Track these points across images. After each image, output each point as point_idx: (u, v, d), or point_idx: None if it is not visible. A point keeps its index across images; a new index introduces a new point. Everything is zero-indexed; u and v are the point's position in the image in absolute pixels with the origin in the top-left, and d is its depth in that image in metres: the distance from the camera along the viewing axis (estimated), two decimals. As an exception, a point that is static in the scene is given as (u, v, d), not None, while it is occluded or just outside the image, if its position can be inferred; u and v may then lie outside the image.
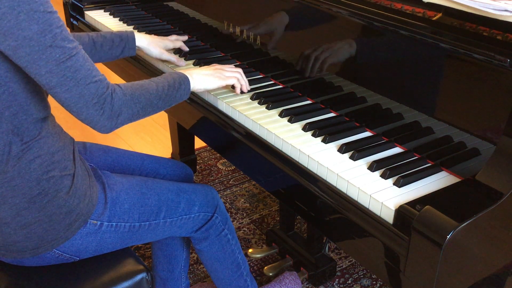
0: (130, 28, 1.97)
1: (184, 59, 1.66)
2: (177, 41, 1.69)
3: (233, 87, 1.45)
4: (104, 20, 2.05)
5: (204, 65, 1.59)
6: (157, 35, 1.84)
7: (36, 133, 1.13)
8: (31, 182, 1.13)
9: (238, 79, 1.42)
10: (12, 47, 0.99)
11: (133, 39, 1.55)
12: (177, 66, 1.63)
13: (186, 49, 1.70)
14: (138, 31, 1.92)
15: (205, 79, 1.36)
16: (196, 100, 1.50)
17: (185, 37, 1.74)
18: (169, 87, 1.25)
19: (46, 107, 1.16)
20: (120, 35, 1.54)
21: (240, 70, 1.45)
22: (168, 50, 1.67)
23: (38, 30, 0.99)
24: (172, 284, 1.63)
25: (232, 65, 1.48)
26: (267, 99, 1.41)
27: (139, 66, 1.74)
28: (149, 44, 1.59)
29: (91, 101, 1.08)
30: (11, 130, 1.09)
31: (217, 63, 1.59)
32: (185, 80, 1.30)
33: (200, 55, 1.70)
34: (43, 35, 0.99)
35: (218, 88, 1.45)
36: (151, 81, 1.24)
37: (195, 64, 1.64)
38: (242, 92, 1.45)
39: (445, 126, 1.14)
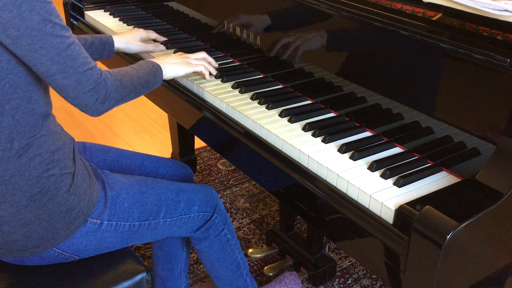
0: (130, 28, 1.97)
1: (166, 48, 1.75)
2: (151, 32, 1.74)
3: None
4: (104, 20, 2.05)
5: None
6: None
7: (37, 130, 1.13)
8: (31, 180, 1.13)
9: (204, 66, 1.50)
10: (13, 37, 1.01)
11: (112, 42, 1.59)
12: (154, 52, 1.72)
13: (163, 38, 1.77)
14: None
15: (174, 67, 1.44)
16: (196, 100, 1.50)
17: (162, 39, 1.78)
18: (148, 74, 1.33)
19: (48, 103, 1.16)
20: (100, 38, 1.57)
21: (204, 54, 1.54)
22: (146, 41, 1.73)
23: (40, 20, 1.01)
24: (172, 284, 1.63)
25: (198, 53, 1.54)
26: (267, 99, 1.41)
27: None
28: (127, 43, 1.64)
29: (88, 87, 1.13)
30: (12, 125, 1.09)
31: (217, 62, 1.59)
32: (158, 69, 1.38)
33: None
34: (44, 24, 1.02)
35: (216, 86, 1.45)
36: (132, 68, 1.32)
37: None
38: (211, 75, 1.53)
39: (445, 126, 1.14)
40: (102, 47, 1.56)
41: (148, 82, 1.33)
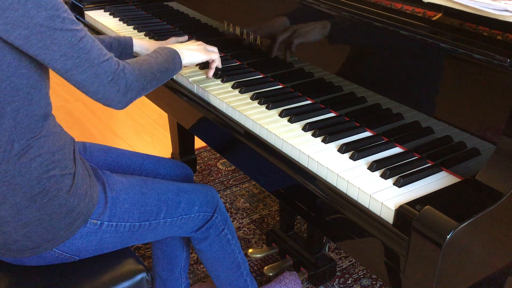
0: (130, 28, 1.97)
1: None
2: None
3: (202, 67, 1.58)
4: (104, 20, 2.05)
5: (204, 67, 1.61)
6: (157, 35, 1.84)
7: (37, 131, 1.13)
8: (31, 181, 1.13)
9: (218, 56, 1.52)
10: (23, 35, 1.01)
11: (131, 45, 1.57)
12: None
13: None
14: (138, 31, 1.92)
15: (192, 54, 1.44)
16: (196, 100, 1.50)
17: (185, 37, 1.74)
18: (166, 61, 1.32)
19: (48, 104, 1.16)
20: (119, 40, 1.55)
21: (217, 49, 1.55)
22: None
23: (48, 16, 1.01)
24: (172, 284, 1.63)
25: (211, 46, 1.55)
26: (267, 99, 1.41)
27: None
28: (147, 49, 1.60)
29: (107, 79, 1.12)
30: (13, 127, 1.09)
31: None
32: (176, 54, 1.37)
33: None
34: (53, 20, 1.02)
35: (214, 82, 1.45)
36: (150, 56, 1.30)
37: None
38: (208, 77, 1.54)
39: (445, 126, 1.14)
40: (120, 48, 1.55)
41: (167, 69, 1.32)
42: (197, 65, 1.63)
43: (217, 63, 1.52)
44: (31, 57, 1.06)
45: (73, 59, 1.06)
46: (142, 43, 1.60)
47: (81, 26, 1.08)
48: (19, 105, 1.09)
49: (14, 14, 0.98)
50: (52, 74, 1.17)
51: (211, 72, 1.53)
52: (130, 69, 1.18)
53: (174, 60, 1.35)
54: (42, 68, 1.11)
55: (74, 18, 1.07)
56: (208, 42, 1.78)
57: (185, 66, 1.43)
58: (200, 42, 1.51)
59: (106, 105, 1.18)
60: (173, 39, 1.71)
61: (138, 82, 1.20)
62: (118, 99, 1.16)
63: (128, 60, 1.22)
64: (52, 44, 1.03)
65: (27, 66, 1.08)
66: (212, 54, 1.50)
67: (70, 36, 1.05)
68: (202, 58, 1.47)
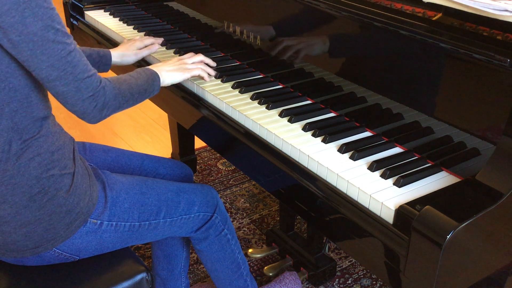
0: (130, 28, 1.97)
1: (166, 49, 1.74)
2: (145, 39, 1.72)
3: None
4: (104, 20, 2.05)
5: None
6: (157, 35, 1.84)
7: (36, 131, 1.13)
8: (31, 180, 1.13)
9: (202, 69, 1.49)
10: (14, 41, 1.01)
11: (109, 57, 1.58)
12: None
13: (160, 40, 1.75)
14: (138, 31, 1.92)
15: (171, 74, 1.44)
16: (196, 100, 1.50)
17: (160, 39, 1.76)
18: (145, 82, 1.33)
19: (47, 107, 1.17)
20: (98, 52, 1.56)
21: (201, 57, 1.53)
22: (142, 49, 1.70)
23: (42, 26, 1.02)
24: (172, 284, 1.63)
25: (191, 54, 1.54)
26: (267, 99, 1.41)
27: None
28: (122, 56, 1.63)
29: (87, 94, 1.13)
30: (11, 128, 1.09)
31: (216, 62, 1.59)
32: (156, 77, 1.38)
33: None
34: (47, 30, 1.02)
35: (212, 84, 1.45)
36: (130, 76, 1.31)
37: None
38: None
39: (445, 126, 1.14)
40: (99, 60, 1.56)
41: (146, 90, 1.33)
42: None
43: (203, 75, 1.49)
44: None
45: (59, 71, 1.07)
46: (117, 54, 1.61)
47: (72, 39, 1.10)
48: (17, 106, 1.09)
49: (10, 20, 0.99)
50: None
51: (205, 78, 1.51)
52: (110, 88, 1.19)
53: (153, 82, 1.36)
54: (32, 73, 1.11)
55: (67, 31, 1.08)
56: (208, 42, 1.79)
57: (165, 86, 1.44)
58: (181, 61, 1.49)
59: (80, 118, 1.19)
60: (148, 39, 1.71)
61: (115, 101, 1.21)
62: (93, 114, 1.17)
63: (110, 78, 1.23)
64: (42, 54, 1.04)
65: (25, 68, 1.07)
66: (193, 70, 1.47)
67: (61, 48, 1.06)
68: (182, 77, 1.46)
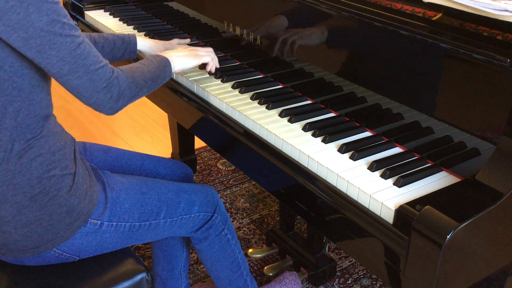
0: (130, 28, 1.97)
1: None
2: (179, 45, 1.69)
3: (202, 67, 1.57)
4: (104, 20, 2.05)
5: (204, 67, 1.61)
6: (157, 35, 1.84)
7: (38, 131, 1.13)
8: (32, 180, 1.13)
9: (212, 57, 1.52)
10: (22, 38, 1.01)
11: (134, 43, 1.57)
12: None
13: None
14: (138, 31, 1.92)
15: (182, 60, 1.45)
16: (196, 100, 1.50)
17: (187, 40, 1.74)
18: (157, 69, 1.33)
19: (49, 105, 1.17)
20: (123, 38, 1.55)
21: (211, 49, 1.55)
22: None
23: (48, 21, 1.01)
24: (172, 284, 1.63)
25: (204, 48, 1.55)
26: (267, 99, 1.41)
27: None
28: (150, 48, 1.61)
29: (101, 86, 1.13)
30: (14, 127, 1.09)
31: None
32: (167, 62, 1.38)
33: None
34: (53, 25, 1.02)
35: (213, 84, 1.45)
36: (141, 63, 1.31)
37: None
38: (210, 73, 1.56)
39: (445, 126, 1.14)
40: (124, 46, 1.55)
41: (158, 76, 1.33)
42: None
43: (211, 64, 1.52)
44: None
45: (70, 64, 1.07)
46: (145, 42, 1.60)
47: (80, 32, 1.09)
48: (21, 105, 1.09)
49: (15, 17, 0.99)
50: (51, 74, 1.17)
51: (212, 70, 1.53)
52: (124, 77, 1.19)
53: (165, 68, 1.36)
54: (43, 70, 1.11)
55: (73, 24, 1.08)
56: (208, 42, 1.79)
57: (176, 73, 1.44)
58: (191, 48, 1.52)
59: (97, 110, 1.19)
60: (175, 40, 1.70)
61: (130, 90, 1.21)
62: (109, 105, 1.17)
63: (121, 67, 1.23)
64: (50, 49, 1.04)
65: (29, 67, 1.08)
66: (203, 57, 1.49)
67: (69, 41, 1.05)
68: (193, 63, 1.47)
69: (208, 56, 1.50)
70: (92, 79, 1.11)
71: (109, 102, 1.16)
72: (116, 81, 1.16)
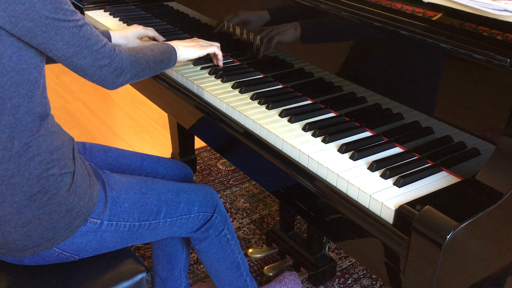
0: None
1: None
2: (149, 29, 1.70)
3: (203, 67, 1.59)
4: (104, 20, 2.05)
5: (204, 64, 1.62)
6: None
7: (35, 130, 1.13)
8: (31, 180, 1.13)
9: (217, 47, 1.57)
10: (28, 27, 1.04)
11: (109, 37, 1.58)
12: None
13: (162, 38, 1.74)
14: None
15: (188, 49, 1.49)
16: (196, 100, 1.50)
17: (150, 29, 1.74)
18: (162, 54, 1.38)
19: (46, 103, 1.17)
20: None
21: (218, 43, 1.58)
22: (145, 40, 1.70)
23: (52, 9, 1.05)
24: (172, 284, 1.63)
25: (211, 41, 1.59)
26: (267, 99, 1.41)
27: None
28: (126, 39, 1.63)
29: (104, 62, 1.18)
30: (13, 124, 1.09)
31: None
32: (173, 50, 1.43)
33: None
34: (56, 12, 1.06)
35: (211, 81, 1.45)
36: (145, 46, 1.37)
37: (194, 64, 1.64)
38: (218, 66, 1.60)
39: (445, 126, 1.14)
40: None
41: (161, 61, 1.37)
42: (197, 65, 1.64)
43: (219, 53, 1.57)
44: (31, 53, 1.09)
45: (74, 47, 1.12)
46: (120, 35, 1.62)
47: (80, 15, 1.14)
48: (19, 102, 1.09)
49: (20, 8, 1.02)
50: (51, 74, 1.17)
51: (220, 63, 1.59)
52: (126, 55, 1.25)
53: (170, 54, 1.41)
54: (40, 65, 1.12)
55: (74, 8, 1.12)
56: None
57: (180, 62, 1.47)
58: (195, 38, 1.56)
59: (99, 85, 1.24)
60: (139, 27, 1.68)
61: (132, 68, 1.26)
62: (111, 80, 1.23)
63: (124, 48, 1.27)
64: (56, 35, 1.08)
65: (27, 62, 1.09)
66: (209, 47, 1.54)
67: (72, 26, 1.10)
68: (197, 53, 1.51)
69: (212, 47, 1.54)
70: (95, 58, 1.16)
71: (111, 77, 1.22)
72: (118, 57, 1.21)
